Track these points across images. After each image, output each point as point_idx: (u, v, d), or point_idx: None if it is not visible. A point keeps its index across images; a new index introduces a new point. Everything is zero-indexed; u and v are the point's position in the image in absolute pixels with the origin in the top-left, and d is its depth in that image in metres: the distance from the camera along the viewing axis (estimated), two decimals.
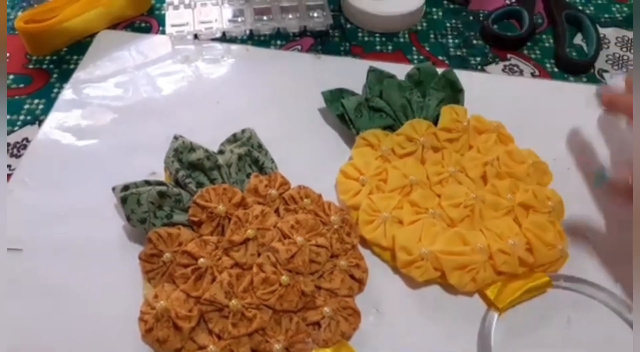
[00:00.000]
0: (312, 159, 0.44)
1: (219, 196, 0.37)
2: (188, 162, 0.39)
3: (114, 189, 0.37)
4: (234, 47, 0.53)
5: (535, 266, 0.37)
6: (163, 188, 0.37)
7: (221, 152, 0.41)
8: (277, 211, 0.38)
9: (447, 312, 0.36)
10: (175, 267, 0.35)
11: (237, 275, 0.34)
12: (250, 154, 0.40)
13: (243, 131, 0.42)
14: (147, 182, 0.38)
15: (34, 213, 0.40)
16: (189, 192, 0.38)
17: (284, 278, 0.34)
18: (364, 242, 0.39)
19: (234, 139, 0.42)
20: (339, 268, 0.36)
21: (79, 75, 0.50)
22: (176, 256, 0.35)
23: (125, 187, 0.37)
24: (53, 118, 0.46)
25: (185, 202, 0.37)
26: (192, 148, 0.39)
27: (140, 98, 0.48)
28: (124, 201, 0.36)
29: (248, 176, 0.40)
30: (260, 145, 0.42)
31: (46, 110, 0.47)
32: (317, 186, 0.40)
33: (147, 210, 0.36)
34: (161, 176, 0.41)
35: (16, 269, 0.37)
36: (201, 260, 0.34)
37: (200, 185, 0.38)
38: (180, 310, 0.33)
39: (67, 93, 0.48)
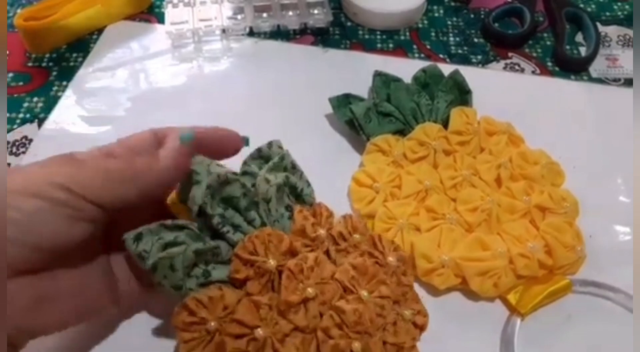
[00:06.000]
0: (318, 157, 0.44)
1: (265, 244, 0.31)
2: (221, 198, 0.32)
3: (124, 240, 0.29)
4: (242, 40, 0.53)
5: (555, 268, 0.37)
6: (199, 246, 0.30)
7: (246, 173, 0.34)
8: (326, 251, 0.34)
9: (468, 318, 0.36)
10: (225, 338, 0.30)
11: (301, 343, 0.30)
12: (288, 182, 0.35)
13: (270, 146, 0.36)
14: (164, 226, 0.30)
15: None
16: (227, 241, 0.32)
17: (356, 344, 0.30)
18: None
19: (258, 155, 0.36)
20: (403, 318, 0.32)
21: (89, 63, 0.50)
22: (223, 324, 0.30)
23: (138, 236, 0.30)
24: (63, 105, 0.47)
25: (225, 255, 0.32)
26: (227, 180, 0.32)
27: (151, 88, 0.49)
28: (154, 269, 0.29)
29: (287, 208, 0.34)
30: (294, 166, 0.36)
31: (46, 109, 0.46)
32: (327, 190, 0.38)
33: (183, 276, 0.30)
34: None
35: None
36: (258, 331, 0.29)
37: (236, 228, 0.32)
38: None
39: (78, 81, 0.48)
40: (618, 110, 0.48)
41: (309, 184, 0.36)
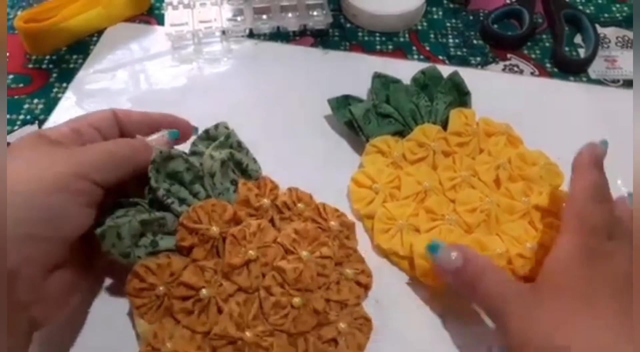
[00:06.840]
0: (318, 158, 0.44)
1: (208, 214, 0.33)
2: (166, 173, 0.34)
3: None
4: (242, 41, 0.53)
5: None
6: (145, 216, 0.32)
7: (195, 153, 0.37)
8: (271, 220, 0.36)
9: (467, 318, 0.36)
10: (173, 301, 0.32)
11: (244, 301, 0.32)
12: (232, 158, 0.37)
13: (216, 127, 0.38)
14: (117, 203, 0.33)
15: None
16: (172, 213, 0.34)
17: (297, 300, 0.32)
18: (381, 251, 0.38)
19: (206, 136, 0.38)
20: (346, 277, 0.35)
21: (90, 64, 0.50)
22: (171, 289, 0.32)
23: None
24: (63, 107, 0.47)
25: (170, 226, 0.34)
26: (170, 156, 0.34)
27: (151, 89, 0.49)
28: (102, 237, 0.31)
29: (232, 182, 0.36)
30: (240, 144, 0.38)
31: (46, 110, 0.47)
32: (326, 190, 0.39)
33: (130, 244, 0.32)
34: None
35: None
36: (203, 291, 0.32)
37: (182, 201, 0.34)
38: (190, 349, 0.31)
39: (78, 83, 0.49)
40: (617, 112, 0.48)
41: (255, 161, 0.38)
